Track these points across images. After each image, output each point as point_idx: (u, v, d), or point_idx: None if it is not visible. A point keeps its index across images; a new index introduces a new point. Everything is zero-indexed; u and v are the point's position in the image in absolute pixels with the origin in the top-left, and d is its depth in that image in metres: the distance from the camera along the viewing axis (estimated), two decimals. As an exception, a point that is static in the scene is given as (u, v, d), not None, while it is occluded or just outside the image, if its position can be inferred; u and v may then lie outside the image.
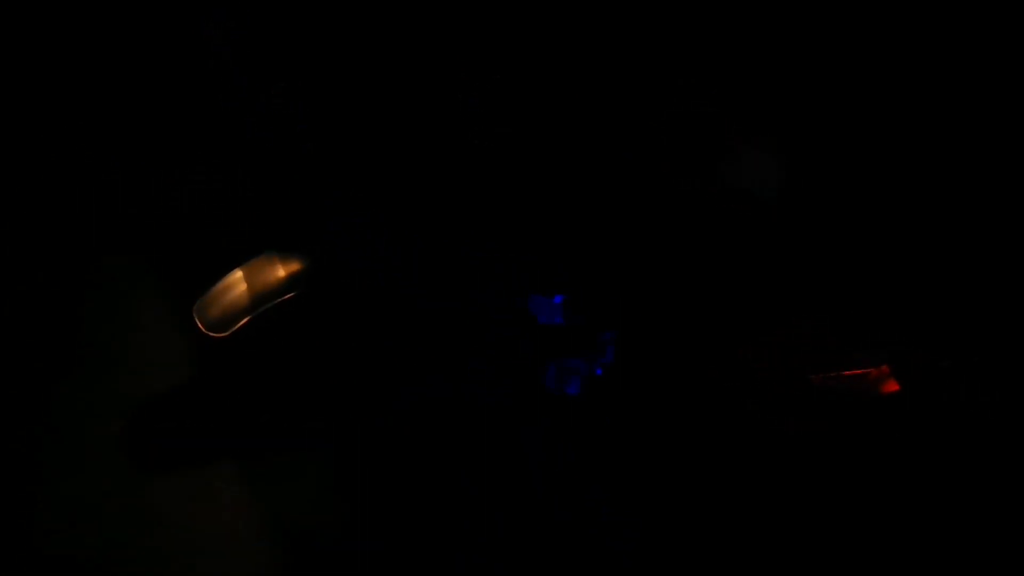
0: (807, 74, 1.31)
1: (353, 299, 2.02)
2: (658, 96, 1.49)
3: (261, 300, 1.86)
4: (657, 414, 1.65)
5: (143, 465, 1.86)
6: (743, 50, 1.37)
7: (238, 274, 1.84)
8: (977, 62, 1.17)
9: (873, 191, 1.33)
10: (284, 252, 1.91)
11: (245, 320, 1.83)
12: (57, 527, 1.75)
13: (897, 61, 1.24)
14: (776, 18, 1.31)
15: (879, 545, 1.40)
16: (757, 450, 1.52)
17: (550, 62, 1.55)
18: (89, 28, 2.33)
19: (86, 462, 1.85)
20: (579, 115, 1.57)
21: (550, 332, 1.80)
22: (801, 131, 1.38)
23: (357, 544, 1.78)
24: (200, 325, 1.78)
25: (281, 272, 1.89)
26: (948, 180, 1.24)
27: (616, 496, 1.69)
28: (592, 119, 1.57)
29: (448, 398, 1.96)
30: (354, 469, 1.89)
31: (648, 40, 1.41)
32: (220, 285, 1.82)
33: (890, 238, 1.33)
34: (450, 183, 1.81)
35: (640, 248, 1.61)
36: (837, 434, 1.41)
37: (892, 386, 1.39)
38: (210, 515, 1.81)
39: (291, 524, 1.80)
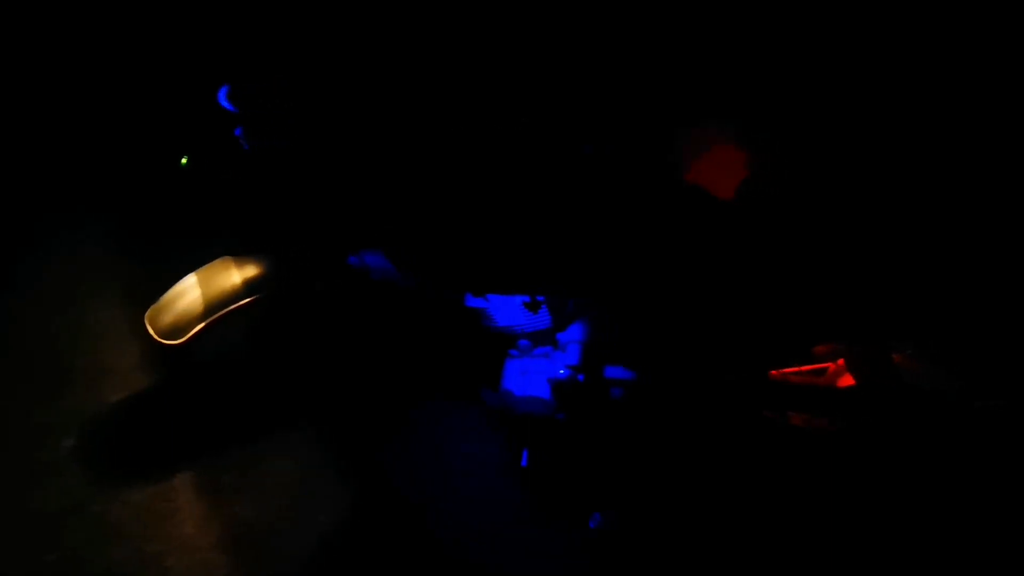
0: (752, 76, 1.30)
1: (314, 303, 1.98)
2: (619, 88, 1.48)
3: (217, 306, 1.81)
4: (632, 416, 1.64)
5: (100, 479, 1.82)
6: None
7: (192, 279, 1.80)
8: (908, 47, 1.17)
9: (825, 189, 1.33)
10: (241, 256, 1.87)
11: (200, 327, 1.79)
12: (15, 544, 1.70)
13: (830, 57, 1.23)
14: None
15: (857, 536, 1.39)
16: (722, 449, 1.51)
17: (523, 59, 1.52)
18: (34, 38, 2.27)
19: (42, 477, 1.80)
20: (541, 113, 1.55)
21: (510, 334, 1.78)
22: (757, 131, 1.37)
23: (319, 554, 1.75)
24: (152, 333, 1.73)
25: (237, 277, 1.85)
26: (895, 180, 1.24)
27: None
28: (555, 117, 1.55)
29: (410, 404, 1.94)
30: (316, 478, 1.86)
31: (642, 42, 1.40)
32: (172, 291, 1.78)
33: (843, 235, 1.32)
34: (410, 183, 1.78)
35: (604, 248, 1.59)
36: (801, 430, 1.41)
37: (848, 380, 1.39)
38: (170, 527, 1.77)
39: (253, 535, 1.77)
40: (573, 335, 1.73)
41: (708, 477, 1.50)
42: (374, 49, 1.64)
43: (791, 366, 1.45)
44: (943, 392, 1.29)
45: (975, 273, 1.22)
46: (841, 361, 1.40)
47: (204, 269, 1.82)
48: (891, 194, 1.24)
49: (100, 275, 2.11)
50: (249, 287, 1.85)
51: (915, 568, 1.33)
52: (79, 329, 2.04)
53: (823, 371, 1.42)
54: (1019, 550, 1.25)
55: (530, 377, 1.72)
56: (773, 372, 1.46)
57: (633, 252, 1.53)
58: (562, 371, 1.70)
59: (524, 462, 1.68)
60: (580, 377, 1.68)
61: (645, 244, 1.52)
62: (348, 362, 2.02)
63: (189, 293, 1.80)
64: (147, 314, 1.75)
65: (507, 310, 1.77)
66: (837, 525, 1.39)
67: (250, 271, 1.87)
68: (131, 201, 2.24)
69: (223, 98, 1.81)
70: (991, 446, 1.26)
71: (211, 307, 1.81)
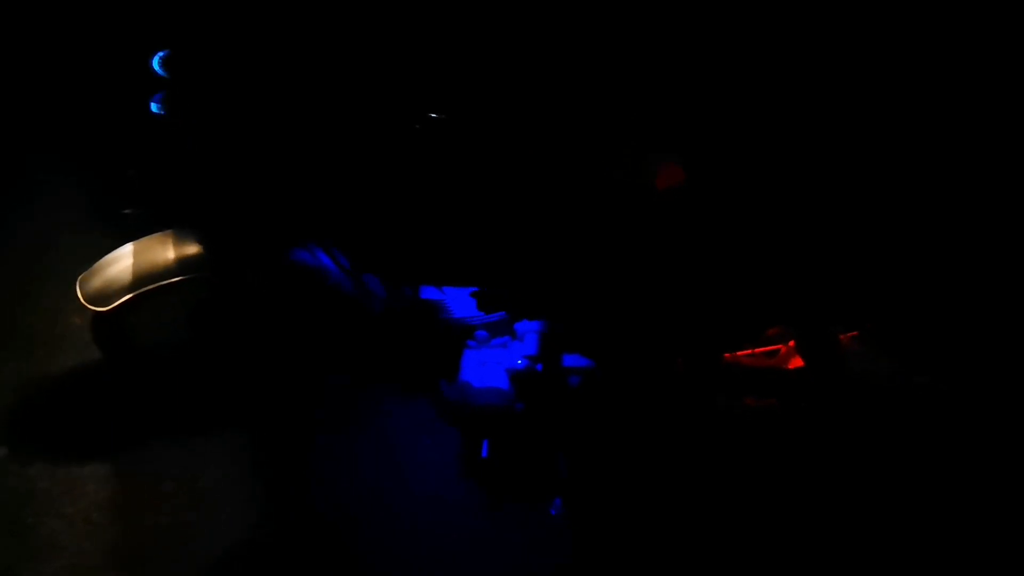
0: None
1: (252, 296, 1.87)
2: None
3: (146, 279, 1.69)
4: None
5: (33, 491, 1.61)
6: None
7: (128, 248, 1.70)
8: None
9: (775, 176, 1.43)
10: (183, 233, 1.75)
11: (127, 298, 1.65)
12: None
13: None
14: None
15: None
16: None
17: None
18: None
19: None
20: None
21: (467, 325, 1.78)
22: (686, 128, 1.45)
23: (258, 550, 1.60)
24: (80, 297, 1.60)
25: (171, 253, 1.73)
26: (841, 167, 1.37)
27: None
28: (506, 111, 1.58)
29: (354, 394, 1.86)
30: (253, 467, 1.73)
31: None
32: (108, 257, 1.69)
33: (792, 222, 1.43)
34: (364, 172, 1.76)
35: (560, 237, 1.63)
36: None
37: (798, 361, 1.52)
38: (109, 539, 1.57)
39: (200, 547, 1.59)
40: (531, 324, 1.75)
41: (668, 460, 1.54)
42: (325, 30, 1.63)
43: (744, 349, 1.55)
44: (887, 372, 1.43)
45: (916, 259, 1.37)
46: (792, 343, 1.52)
47: (143, 240, 1.72)
48: (840, 182, 1.37)
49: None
50: (181, 265, 1.74)
51: (867, 546, 1.43)
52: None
53: (774, 353, 1.54)
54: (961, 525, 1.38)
55: (489, 368, 1.72)
56: (726, 355, 1.55)
57: (585, 239, 1.56)
58: (520, 361, 1.71)
59: (484, 453, 1.65)
60: (538, 367, 1.69)
61: (596, 231, 1.55)
62: (290, 359, 1.92)
63: (122, 261, 1.69)
64: (80, 277, 1.63)
65: (463, 301, 1.77)
66: (793, 508, 1.47)
67: (187, 250, 1.75)
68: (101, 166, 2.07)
69: (157, 64, 1.73)
70: (930, 424, 1.40)
71: (140, 279, 1.69)
